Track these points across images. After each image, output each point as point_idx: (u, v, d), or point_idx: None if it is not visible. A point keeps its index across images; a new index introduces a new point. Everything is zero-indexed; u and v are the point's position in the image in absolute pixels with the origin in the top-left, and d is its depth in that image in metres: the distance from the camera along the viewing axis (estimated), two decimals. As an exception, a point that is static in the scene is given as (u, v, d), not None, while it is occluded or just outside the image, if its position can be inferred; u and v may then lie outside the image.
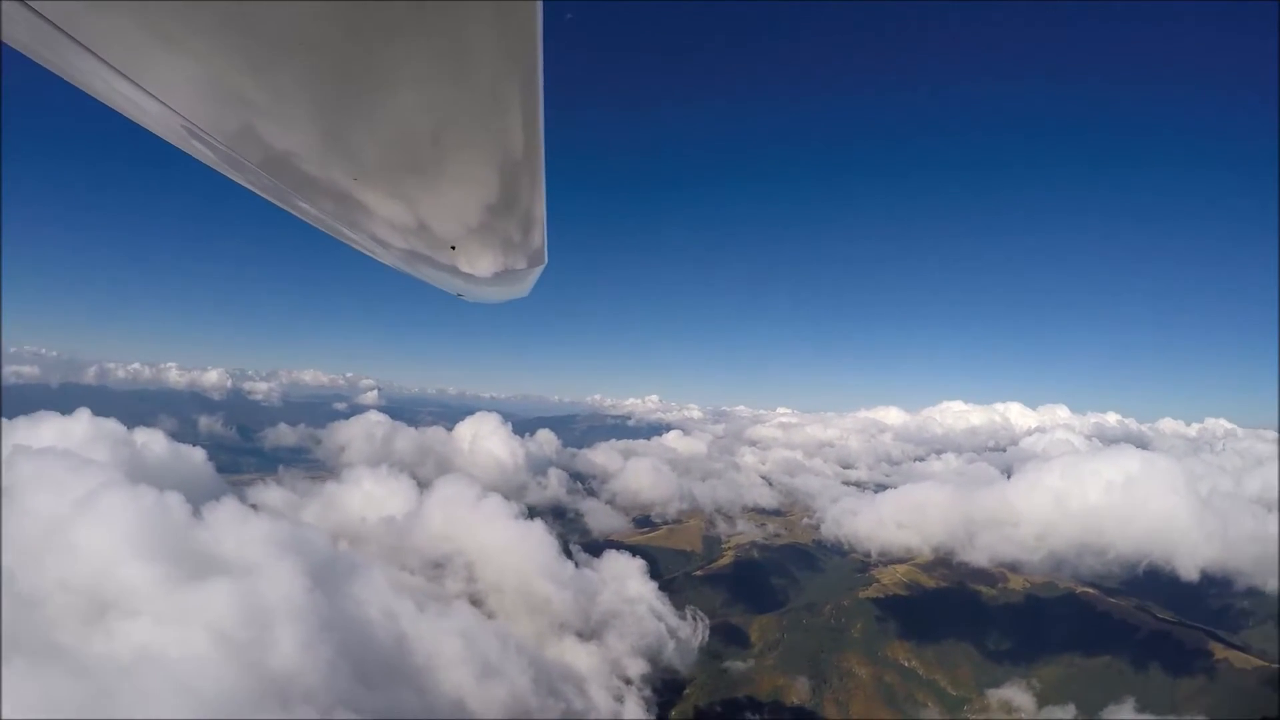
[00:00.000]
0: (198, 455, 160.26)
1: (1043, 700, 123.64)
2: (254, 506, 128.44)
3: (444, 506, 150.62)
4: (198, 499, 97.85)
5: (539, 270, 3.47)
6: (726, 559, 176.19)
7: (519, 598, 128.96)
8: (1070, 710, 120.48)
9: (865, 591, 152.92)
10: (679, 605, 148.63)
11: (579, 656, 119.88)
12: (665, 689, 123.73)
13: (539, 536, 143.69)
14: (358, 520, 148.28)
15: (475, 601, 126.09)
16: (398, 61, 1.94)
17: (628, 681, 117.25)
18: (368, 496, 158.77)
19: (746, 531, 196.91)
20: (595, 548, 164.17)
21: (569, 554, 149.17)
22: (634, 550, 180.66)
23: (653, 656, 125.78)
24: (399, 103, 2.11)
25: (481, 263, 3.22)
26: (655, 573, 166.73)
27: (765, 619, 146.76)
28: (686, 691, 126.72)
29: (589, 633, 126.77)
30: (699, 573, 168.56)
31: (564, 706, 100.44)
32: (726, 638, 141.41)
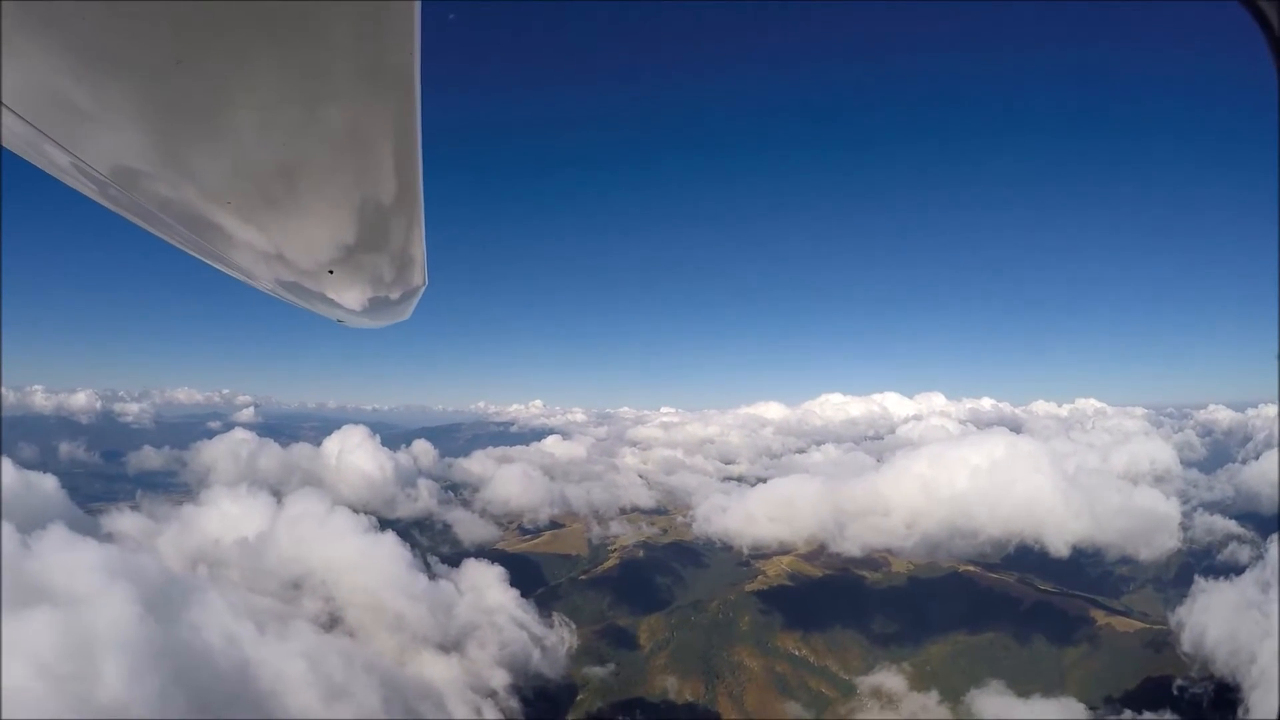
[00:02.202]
0: (49, 483, 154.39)
1: (917, 684, 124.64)
2: (109, 535, 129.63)
3: (295, 525, 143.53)
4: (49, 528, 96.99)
5: (419, 292, 3.50)
6: (612, 561, 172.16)
7: (376, 614, 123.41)
8: (938, 694, 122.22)
9: (751, 584, 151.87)
10: (566, 611, 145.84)
11: (438, 670, 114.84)
12: (537, 698, 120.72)
13: (391, 550, 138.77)
14: (214, 543, 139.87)
15: (333, 620, 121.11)
16: (259, 75, 1.85)
17: (491, 693, 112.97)
18: (226, 518, 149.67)
19: (630, 533, 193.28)
20: (466, 557, 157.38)
21: (428, 566, 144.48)
22: (516, 558, 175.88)
23: (517, 666, 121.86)
24: (263, 122, 2.01)
25: (360, 288, 3.28)
26: (539, 580, 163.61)
27: (653, 619, 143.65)
28: (580, 697, 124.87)
29: (449, 646, 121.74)
30: (584, 577, 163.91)
31: None
32: (615, 640, 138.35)
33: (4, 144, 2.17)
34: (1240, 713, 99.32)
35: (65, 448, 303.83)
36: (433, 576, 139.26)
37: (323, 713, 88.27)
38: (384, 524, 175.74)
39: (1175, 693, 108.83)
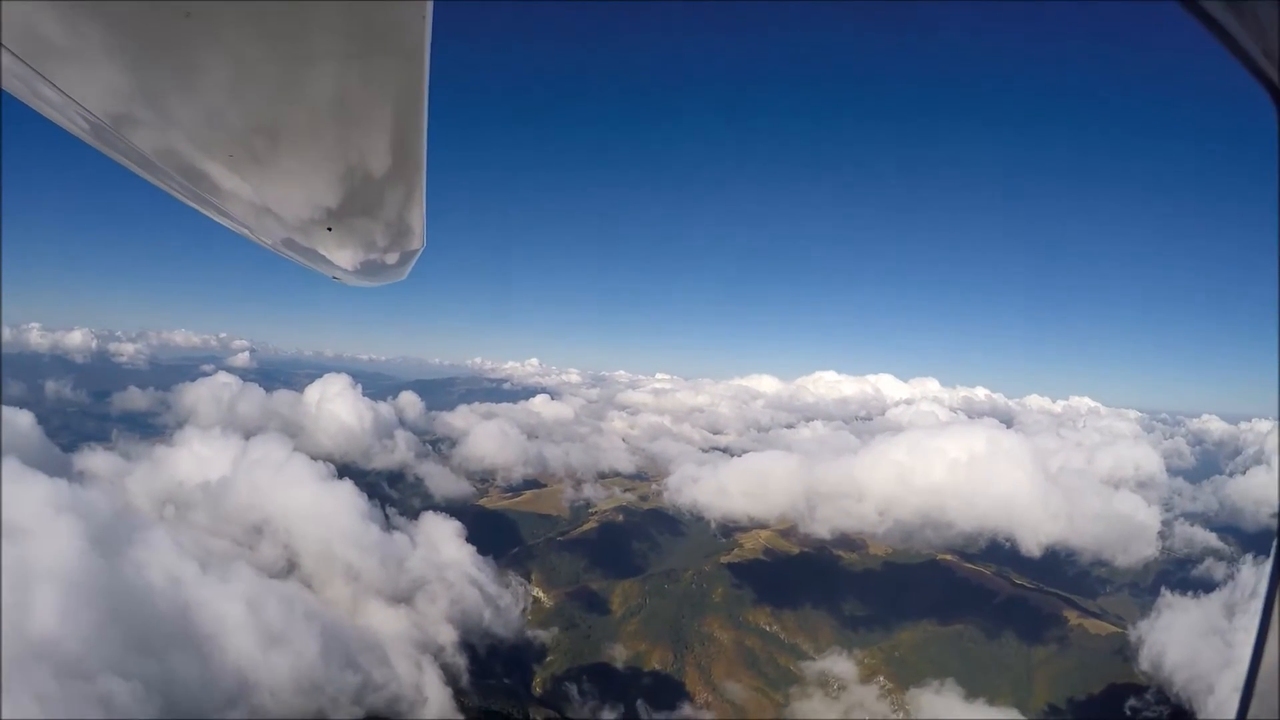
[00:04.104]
0: (24, 420, 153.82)
1: (883, 670, 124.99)
2: (79, 473, 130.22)
3: (252, 470, 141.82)
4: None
5: (417, 254, 3.48)
6: (591, 525, 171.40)
7: (329, 563, 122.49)
8: (901, 682, 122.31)
9: (727, 557, 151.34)
10: (541, 571, 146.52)
11: (386, 622, 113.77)
12: (506, 658, 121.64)
13: (346, 500, 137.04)
14: (185, 486, 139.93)
15: (290, 566, 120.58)
16: (264, 28, 1.85)
17: (438, 649, 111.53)
18: (195, 460, 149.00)
19: (603, 498, 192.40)
20: (438, 512, 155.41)
21: (386, 518, 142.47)
22: (494, 515, 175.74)
23: (468, 624, 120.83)
24: (268, 76, 2.02)
25: (357, 247, 3.27)
26: (515, 539, 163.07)
27: (627, 584, 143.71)
28: (549, 658, 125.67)
29: (399, 598, 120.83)
30: (561, 538, 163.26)
31: (361, 675, 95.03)
32: (588, 604, 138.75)
33: (3, 86, 2.17)
34: None
35: (52, 386, 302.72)
36: (390, 528, 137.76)
37: (259, 657, 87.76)
38: (357, 474, 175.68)
39: (1128, 714, 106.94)
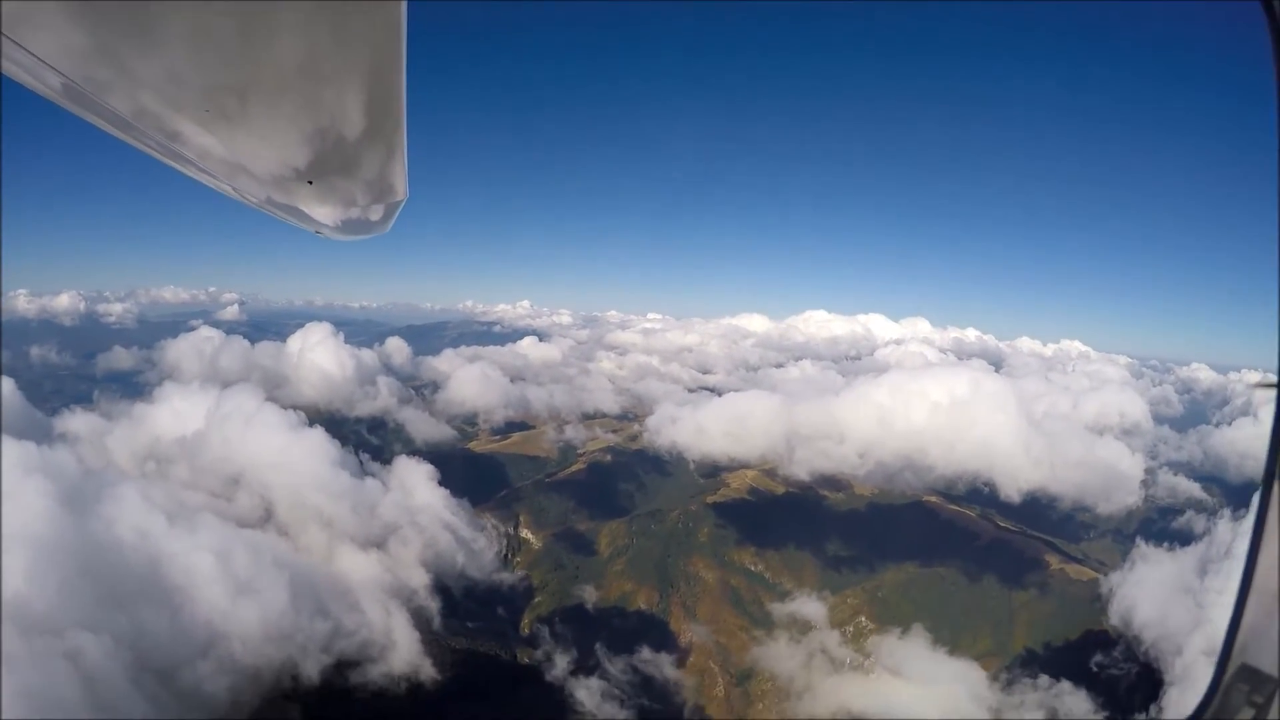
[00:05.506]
0: (5, 386, 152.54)
1: (864, 611, 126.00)
2: (61, 435, 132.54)
3: (224, 422, 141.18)
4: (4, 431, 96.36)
5: (400, 206, 3.50)
6: (578, 466, 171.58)
7: (302, 511, 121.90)
8: (881, 622, 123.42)
9: (713, 497, 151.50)
10: (529, 513, 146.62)
11: (359, 568, 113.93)
12: (478, 598, 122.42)
13: (315, 447, 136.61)
14: (163, 441, 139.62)
15: (266, 516, 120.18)
16: None
17: (412, 593, 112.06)
18: (174, 415, 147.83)
19: (585, 438, 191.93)
20: (419, 456, 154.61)
21: (360, 464, 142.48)
22: (482, 458, 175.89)
23: (442, 567, 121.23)
24: (238, 27, 1.98)
25: (339, 200, 3.29)
26: (503, 481, 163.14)
27: (614, 525, 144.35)
28: (537, 599, 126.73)
29: (372, 543, 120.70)
30: (548, 480, 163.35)
31: (332, 621, 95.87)
32: (575, 545, 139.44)
33: None
34: (1153, 711, 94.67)
35: (36, 351, 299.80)
36: (364, 474, 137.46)
37: (228, 608, 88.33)
38: (338, 422, 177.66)
39: (1094, 669, 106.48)
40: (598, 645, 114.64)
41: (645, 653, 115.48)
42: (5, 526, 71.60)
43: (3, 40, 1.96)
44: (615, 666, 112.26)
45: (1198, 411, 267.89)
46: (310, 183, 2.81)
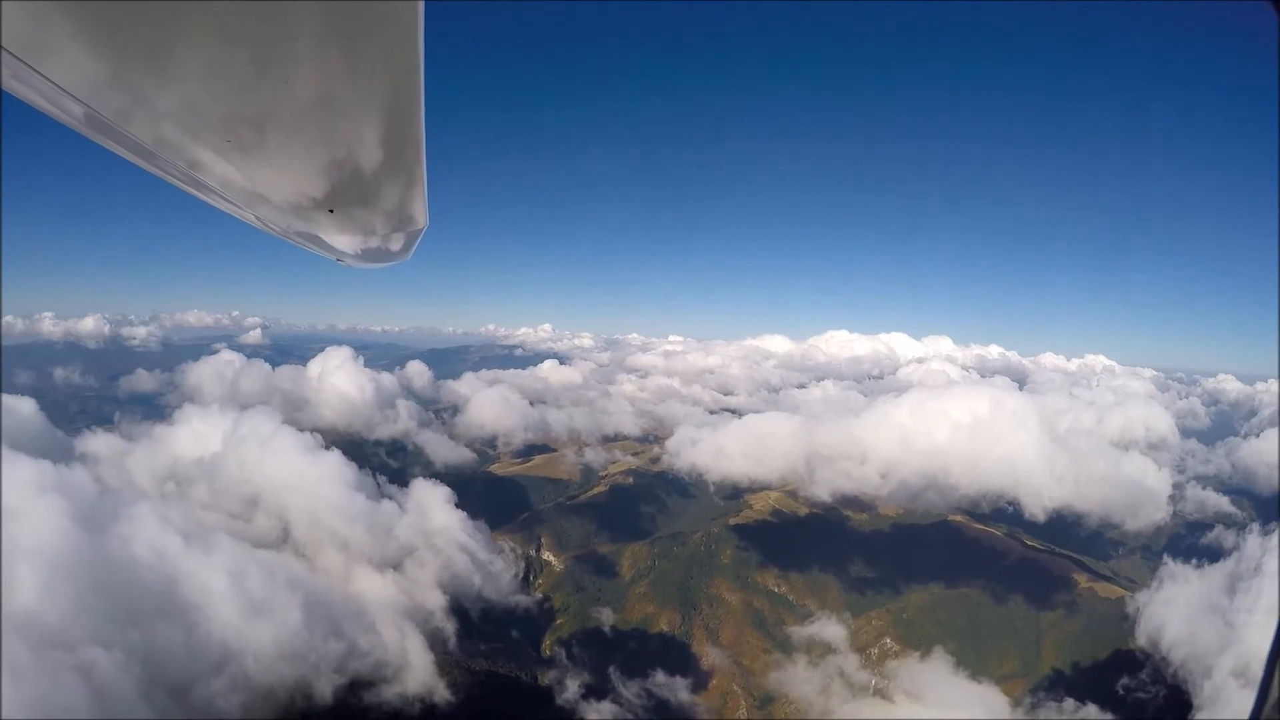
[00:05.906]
0: (26, 406, 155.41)
1: (890, 633, 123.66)
2: (81, 455, 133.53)
3: (241, 444, 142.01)
4: (24, 451, 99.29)
5: (420, 234, 3.51)
6: (601, 488, 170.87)
7: (319, 533, 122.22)
8: (907, 644, 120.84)
9: (735, 518, 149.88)
10: (551, 535, 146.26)
11: (374, 590, 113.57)
12: (499, 620, 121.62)
13: (333, 470, 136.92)
14: (182, 462, 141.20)
15: (284, 538, 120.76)
16: (250, 12, 1.82)
17: (427, 615, 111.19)
18: (193, 437, 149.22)
19: (604, 461, 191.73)
20: (439, 479, 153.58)
21: (377, 486, 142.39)
22: (505, 481, 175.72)
23: (459, 589, 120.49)
24: (259, 58, 1.99)
25: (360, 228, 3.32)
26: (525, 504, 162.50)
27: (636, 547, 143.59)
28: (558, 621, 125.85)
29: (388, 565, 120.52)
30: (570, 502, 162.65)
31: (346, 641, 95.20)
32: (597, 567, 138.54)
33: (2, 85, 2.15)
34: None
35: (60, 373, 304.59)
36: (381, 496, 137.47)
37: (242, 627, 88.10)
38: (357, 445, 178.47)
39: (1121, 692, 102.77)
40: (611, 668, 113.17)
41: (662, 676, 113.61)
42: (18, 542, 72.37)
43: (28, 71, 1.98)
44: (631, 690, 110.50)
45: (1225, 423, 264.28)
46: (331, 212, 2.83)
